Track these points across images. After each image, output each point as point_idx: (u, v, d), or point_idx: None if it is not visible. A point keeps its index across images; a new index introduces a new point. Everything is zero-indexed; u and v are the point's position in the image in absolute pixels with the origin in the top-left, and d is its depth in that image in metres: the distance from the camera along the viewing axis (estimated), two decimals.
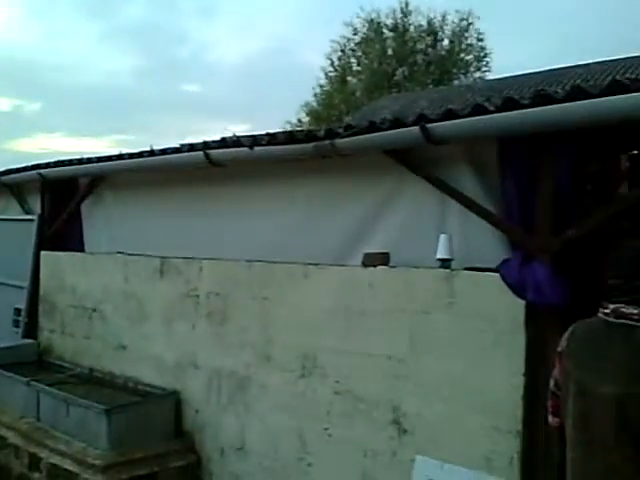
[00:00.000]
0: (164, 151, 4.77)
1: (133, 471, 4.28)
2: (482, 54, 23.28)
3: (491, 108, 3.17)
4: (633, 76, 7.08)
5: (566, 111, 2.88)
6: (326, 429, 3.91)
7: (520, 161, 3.35)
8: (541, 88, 3.13)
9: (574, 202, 3.33)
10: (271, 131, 4.22)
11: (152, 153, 4.89)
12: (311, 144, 3.87)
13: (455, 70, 22.85)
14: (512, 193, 3.36)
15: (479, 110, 3.21)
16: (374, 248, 3.86)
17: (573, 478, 2.32)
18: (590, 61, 9.26)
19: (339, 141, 3.73)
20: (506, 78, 10.79)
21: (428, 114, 3.43)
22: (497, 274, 3.27)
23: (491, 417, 3.27)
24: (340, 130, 3.81)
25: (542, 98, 3.00)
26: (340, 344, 3.87)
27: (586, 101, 2.81)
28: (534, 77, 9.44)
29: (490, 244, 3.47)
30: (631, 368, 2.12)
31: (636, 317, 2.18)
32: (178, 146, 4.67)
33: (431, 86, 20.36)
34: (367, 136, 3.64)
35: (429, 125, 3.34)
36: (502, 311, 3.26)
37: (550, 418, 2.55)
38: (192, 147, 4.53)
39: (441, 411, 3.45)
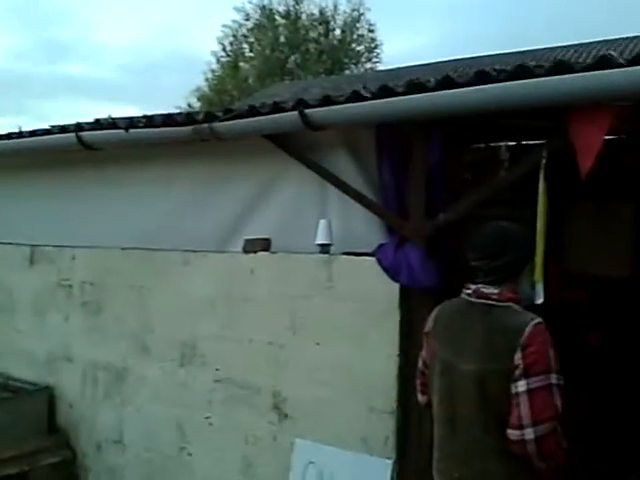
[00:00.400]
0: (33, 133, 4.48)
1: (1, 471, 4.04)
2: (373, 45, 23.72)
3: (367, 95, 3.21)
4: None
5: (435, 100, 2.96)
6: (207, 418, 3.85)
7: (396, 148, 3.43)
8: (416, 77, 3.19)
9: (447, 188, 3.46)
10: (149, 113, 4.07)
11: (21, 135, 4.58)
12: (190, 127, 3.76)
13: (347, 60, 23.14)
14: (388, 179, 3.44)
15: (356, 97, 3.24)
16: (256, 234, 3.82)
17: (440, 454, 2.41)
18: (480, 54, 9.59)
19: (218, 125, 3.65)
20: (396, 69, 11.03)
21: (307, 99, 3.42)
22: (373, 258, 3.34)
23: (368, 398, 3.34)
24: (220, 114, 3.73)
25: (414, 86, 3.07)
26: (221, 331, 3.82)
27: (453, 90, 2.90)
28: (422, 69, 9.69)
29: (369, 229, 3.54)
30: (489, 346, 2.21)
31: (495, 297, 2.28)
32: (48, 127, 4.40)
33: (323, 75, 20.51)
34: (246, 120, 3.59)
35: (307, 111, 3.34)
36: (378, 294, 3.33)
37: (419, 397, 2.62)
38: (63, 129, 4.27)
39: (321, 394, 3.49)
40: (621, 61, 2.60)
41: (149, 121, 3.95)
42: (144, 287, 4.12)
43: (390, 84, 3.22)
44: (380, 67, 21.73)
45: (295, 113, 3.37)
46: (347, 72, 21.81)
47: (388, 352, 3.29)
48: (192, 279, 3.94)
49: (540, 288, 2.82)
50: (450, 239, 3.45)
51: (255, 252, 3.73)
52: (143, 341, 4.11)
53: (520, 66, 2.78)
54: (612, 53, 2.69)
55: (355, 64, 23.36)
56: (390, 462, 3.31)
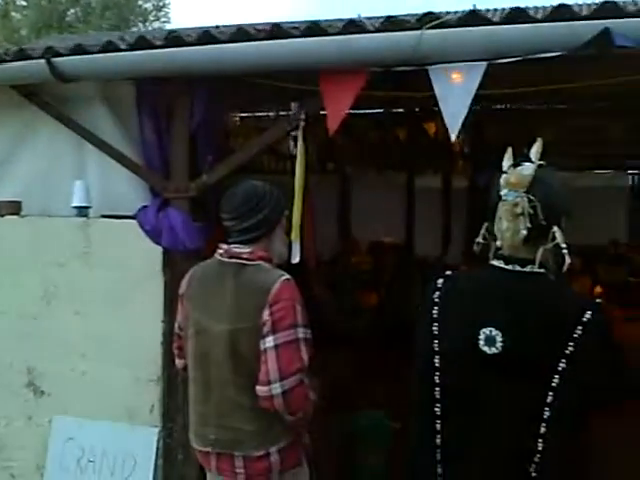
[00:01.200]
0: None
1: None
2: (161, 4, 22.79)
3: (123, 46, 3.01)
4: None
5: (195, 55, 2.85)
6: None
7: (158, 105, 3.27)
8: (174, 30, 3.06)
9: (215, 149, 3.38)
10: None
11: None
12: None
13: (133, 17, 21.96)
14: (150, 138, 3.27)
15: (111, 47, 3.02)
16: (3, 196, 3.46)
17: (196, 417, 2.38)
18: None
19: None
20: (185, 29, 10.67)
21: (56, 47, 3.12)
22: (134, 221, 3.18)
23: (132, 368, 3.22)
24: None
25: (173, 40, 2.93)
26: None
27: (211, 46, 2.82)
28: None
29: (131, 190, 3.35)
30: (239, 305, 2.21)
31: (245, 256, 2.27)
32: None
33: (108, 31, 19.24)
34: None
35: (56, 60, 3.04)
36: (140, 259, 3.20)
37: (177, 361, 2.57)
38: None
39: (81, 367, 3.31)
40: (370, 27, 2.70)
41: None
42: None
43: (148, 36, 3.05)
44: (169, 27, 20.95)
45: (42, 62, 3.05)
46: (134, 30, 20.69)
47: (152, 318, 3.19)
48: None
49: (296, 248, 2.89)
50: (216, 201, 3.40)
51: (2, 216, 3.37)
52: None
53: (276, 26, 2.77)
54: (363, 20, 2.79)
55: (143, 22, 22.26)
56: (156, 430, 3.23)
